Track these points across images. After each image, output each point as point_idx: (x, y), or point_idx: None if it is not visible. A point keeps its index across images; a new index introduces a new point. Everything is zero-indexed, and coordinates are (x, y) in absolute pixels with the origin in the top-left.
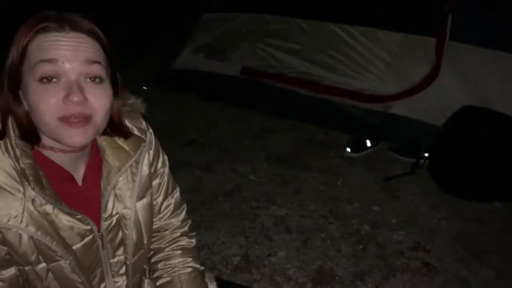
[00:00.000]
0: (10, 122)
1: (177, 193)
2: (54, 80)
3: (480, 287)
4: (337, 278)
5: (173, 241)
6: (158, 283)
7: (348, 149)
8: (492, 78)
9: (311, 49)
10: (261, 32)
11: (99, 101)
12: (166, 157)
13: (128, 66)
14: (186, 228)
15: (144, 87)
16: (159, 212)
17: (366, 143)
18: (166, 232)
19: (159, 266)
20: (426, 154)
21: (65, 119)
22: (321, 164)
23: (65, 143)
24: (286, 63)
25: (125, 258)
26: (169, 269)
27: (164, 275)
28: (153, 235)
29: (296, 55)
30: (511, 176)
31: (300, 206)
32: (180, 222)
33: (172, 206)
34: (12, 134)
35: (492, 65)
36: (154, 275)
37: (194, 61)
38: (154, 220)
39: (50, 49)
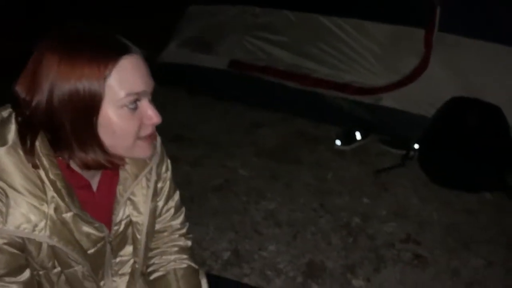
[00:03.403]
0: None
1: (177, 196)
2: (136, 104)
3: (470, 277)
4: (327, 271)
5: (170, 241)
6: (152, 277)
7: (338, 142)
8: (481, 69)
9: (300, 42)
10: (249, 24)
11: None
12: (169, 161)
13: None
14: (184, 230)
15: None
16: (159, 215)
17: (356, 136)
18: (165, 234)
19: (154, 260)
20: (416, 146)
21: (144, 137)
22: (311, 157)
23: (137, 157)
24: (275, 56)
25: (135, 261)
26: (165, 263)
27: (160, 269)
28: None
29: (285, 48)
30: (500, 166)
31: (290, 200)
32: (179, 225)
33: (172, 210)
34: (36, 143)
35: (481, 56)
36: (148, 270)
37: (181, 54)
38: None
39: (136, 79)
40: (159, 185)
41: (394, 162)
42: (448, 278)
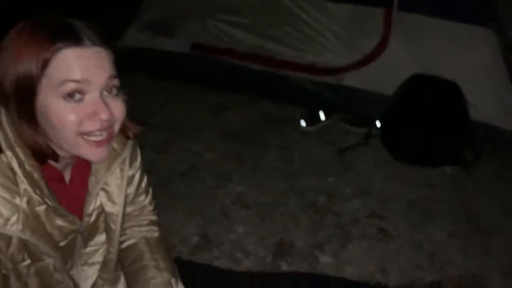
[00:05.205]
0: (6, 124)
1: (145, 179)
2: (79, 97)
3: (432, 248)
4: (296, 249)
5: (141, 216)
6: (124, 245)
7: (303, 123)
8: (440, 47)
9: (263, 23)
10: (211, 7)
11: (120, 112)
12: (138, 148)
13: None
14: (152, 207)
15: None
16: (133, 201)
17: (320, 116)
18: (136, 213)
19: (126, 231)
20: (378, 124)
21: (88, 135)
22: (277, 139)
23: (86, 158)
24: (237, 38)
25: (110, 251)
26: (137, 233)
27: (132, 238)
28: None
29: (247, 30)
30: (458, 140)
31: (257, 182)
32: (148, 204)
33: (143, 194)
34: (10, 135)
35: (439, 33)
36: (120, 239)
37: (142, 38)
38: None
39: (76, 68)
40: (130, 173)
41: (357, 140)
42: (411, 251)
